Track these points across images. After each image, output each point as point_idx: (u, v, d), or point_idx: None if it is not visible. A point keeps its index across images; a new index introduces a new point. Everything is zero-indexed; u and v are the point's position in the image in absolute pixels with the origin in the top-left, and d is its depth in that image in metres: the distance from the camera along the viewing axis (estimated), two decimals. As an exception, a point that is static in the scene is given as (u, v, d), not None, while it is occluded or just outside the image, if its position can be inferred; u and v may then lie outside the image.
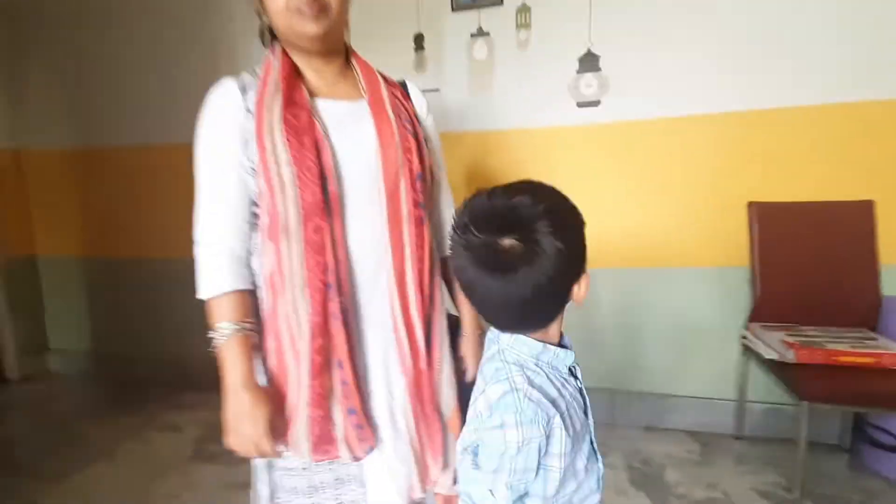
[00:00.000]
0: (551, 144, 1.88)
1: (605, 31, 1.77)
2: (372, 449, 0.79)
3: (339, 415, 0.75)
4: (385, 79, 0.86)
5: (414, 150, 0.80)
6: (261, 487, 0.83)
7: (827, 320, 1.66)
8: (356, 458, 0.78)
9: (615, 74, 1.78)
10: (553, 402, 0.58)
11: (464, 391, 0.87)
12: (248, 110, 0.74)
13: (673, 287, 1.86)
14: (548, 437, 0.57)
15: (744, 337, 1.72)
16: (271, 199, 0.71)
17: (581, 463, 0.63)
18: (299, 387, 0.73)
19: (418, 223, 0.79)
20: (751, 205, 1.75)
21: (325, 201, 0.72)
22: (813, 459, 1.65)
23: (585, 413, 0.66)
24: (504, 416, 0.56)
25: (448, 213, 0.93)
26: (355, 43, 0.89)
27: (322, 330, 0.72)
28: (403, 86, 0.90)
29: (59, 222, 2.50)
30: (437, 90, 1.92)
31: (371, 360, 0.79)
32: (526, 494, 0.59)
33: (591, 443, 0.67)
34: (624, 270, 1.89)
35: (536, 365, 0.61)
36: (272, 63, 0.76)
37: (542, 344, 0.61)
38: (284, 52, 0.77)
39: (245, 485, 1.43)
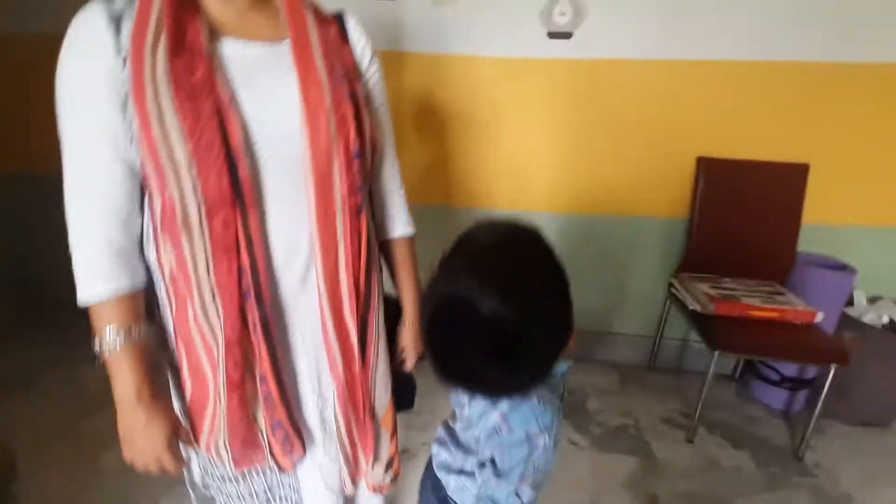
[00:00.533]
0: (514, 77, 1.74)
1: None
2: (301, 458, 0.74)
3: (263, 425, 0.68)
4: (316, 12, 0.65)
5: (350, 118, 0.62)
6: (193, 468, 0.78)
7: (745, 273, 1.81)
8: (282, 470, 0.73)
9: (593, 4, 1.62)
10: (554, 391, 0.61)
11: (400, 384, 0.85)
12: (121, 55, 0.54)
13: (615, 234, 1.92)
14: None
15: (672, 285, 1.85)
16: (161, 186, 0.54)
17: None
18: (217, 397, 0.64)
19: (354, 213, 0.64)
20: (699, 159, 1.78)
21: (234, 189, 0.56)
22: (710, 389, 1.91)
23: None
24: (527, 428, 0.58)
25: (393, 187, 0.79)
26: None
27: (239, 343, 0.61)
28: (341, 21, 0.68)
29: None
30: (392, -1, 1.66)
31: (301, 368, 0.71)
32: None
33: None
34: (571, 216, 1.91)
35: None
36: None
37: None
38: None
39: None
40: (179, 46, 0.53)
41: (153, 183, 0.56)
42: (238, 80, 0.57)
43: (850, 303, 1.82)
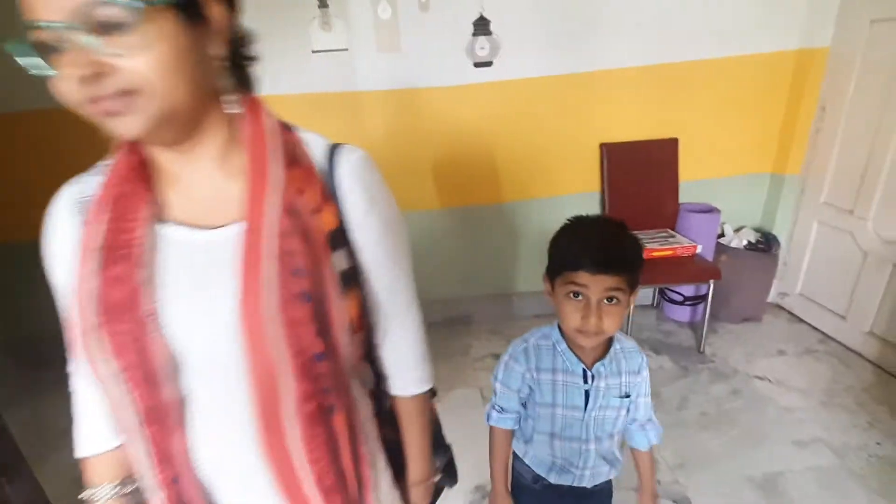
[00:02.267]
0: (454, 101, 2.17)
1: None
2: None
3: None
4: (292, 152, 0.53)
5: (307, 320, 0.50)
6: None
7: (648, 225, 2.39)
8: None
9: (505, 38, 2.07)
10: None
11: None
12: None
13: (548, 212, 2.42)
14: None
15: (597, 244, 2.39)
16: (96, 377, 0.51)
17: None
18: None
19: (313, 420, 0.52)
20: (602, 145, 2.31)
21: (160, 407, 0.51)
22: (635, 317, 2.49)
23: None
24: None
25: (404, 346, 0.65)
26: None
27: None
28: (331, 157, 0.55)
29: None
30: (345, 49, 2.01)
31: None
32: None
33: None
34: (511, 203, 2.38)
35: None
36: (119, 155, 0.52)
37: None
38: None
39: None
40: (117, 229, 0.49)
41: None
42: (171, 277, 0.51)
43: (723, 234, 2.45)
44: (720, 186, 2.45)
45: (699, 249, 2.18)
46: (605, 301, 0.78)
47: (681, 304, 2.45)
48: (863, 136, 2.03)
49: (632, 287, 0.80)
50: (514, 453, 1.01)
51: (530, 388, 0.92)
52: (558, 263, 0.82)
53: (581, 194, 2.40)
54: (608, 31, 2.12)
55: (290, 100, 2.08)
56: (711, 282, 2.11)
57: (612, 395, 0.89)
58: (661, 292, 2.56)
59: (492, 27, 2.05)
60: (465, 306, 2.54)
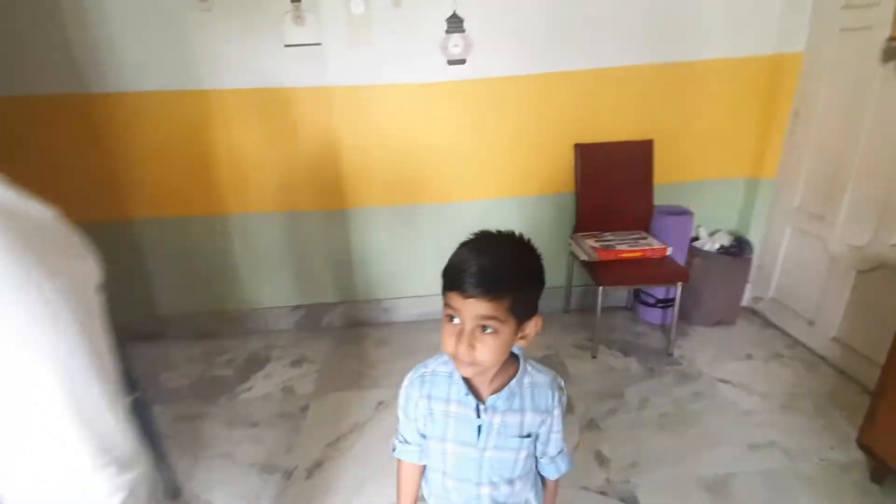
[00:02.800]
0: (427, 98, 2.17)
1: (467, -5, 2.02)
2: None
3: None
4: None
5: None
6: None
7: (620, 226, 2.39)
8: None
9: (479, 36, 2.08)
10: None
11: None
12: None
13: (525, 211, 2.43)
14: None
15: (570, 244, 2.40)
16: None
17: None
18: None
19: None
20: (576, 146, 2.31)
21: None
22: (609, 319, 2.50)
23: None
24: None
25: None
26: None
27: None
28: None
29: None
30: (318, 44, 2.02)
31: None
32: None
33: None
34: (485, 201, 2.39)
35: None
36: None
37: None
38: None
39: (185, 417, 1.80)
40: None
41: None
42: None
43: (697, 238, 2.46)
44: (695, 189, 2.45)
45: (669, 251, 2.19)
46: (480, 329, 0.70)
47: (653, 305, 2.45)
48: (833, 141, 2.03)
49: (518, 316, 0.71)
50: (422, 494, 0.93)
51: (425, 418, 0.84)
52: (443, 281, 0.72)
53: (555, 195, 2.41)
54: (584, 32, 2.13)
55: (262, 93, 2.09)
56: (679, 284, 2.11)
57: (508, 435, 0.80)
58: (635, 294, 2.56)
59: (465, 25, 2.06)
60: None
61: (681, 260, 2.31)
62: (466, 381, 0.80)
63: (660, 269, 2.15)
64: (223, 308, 2.47)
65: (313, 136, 2.19)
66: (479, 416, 0.79)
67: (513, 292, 0.69)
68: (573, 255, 2.37)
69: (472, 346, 0.69)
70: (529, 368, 0.82)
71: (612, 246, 2.21)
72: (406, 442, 0.88)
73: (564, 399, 0.84)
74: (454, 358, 0.73)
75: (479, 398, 0.79)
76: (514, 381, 0.79)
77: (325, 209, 2.32)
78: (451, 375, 0.81)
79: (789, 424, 1.76)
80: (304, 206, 2.31)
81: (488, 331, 0.69)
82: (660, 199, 2.40)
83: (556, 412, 0.82)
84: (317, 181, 2.26)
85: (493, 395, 0.78)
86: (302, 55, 2.03)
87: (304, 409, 1.93)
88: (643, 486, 1.52)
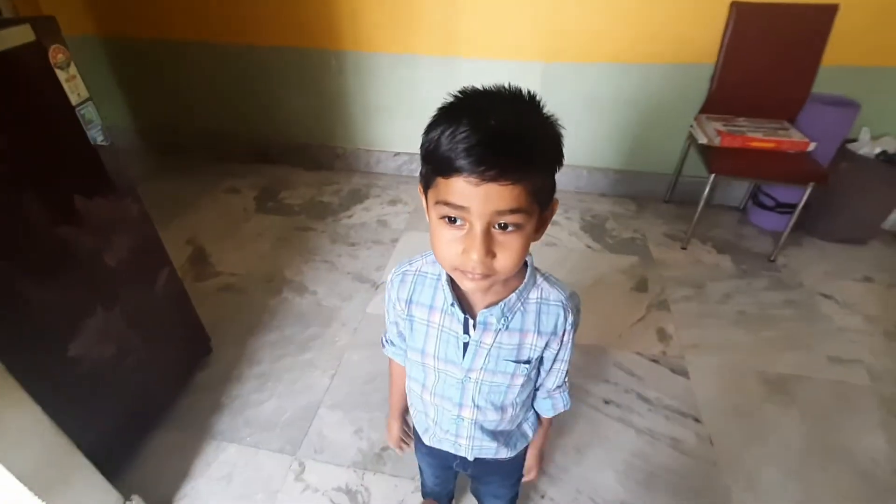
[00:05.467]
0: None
1: None
2: None
3: None
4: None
5: None
6: None
7: (760, 113, 2.07)
8: None
9: None
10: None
11: None
12: None
13: (649, 81, 2.18)
14: None
15: (691, 126, 2.15)
16: None
17: None
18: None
19: None
20: (734, 4, 1.93)
21: None
22: (713, 215, 2.32)
23: None
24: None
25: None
26: None
27: None
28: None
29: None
30: None
31: None
32: None
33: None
34: (612, 64, 2.16)
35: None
36: None
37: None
38: None
39: (299, 228, 2.03)
40: None
41: None
42: None
43: (855, 140, 2.06)
44: (872, 78, 1.99)
45: (811, 147, 1.88)
46: (498, 227, 0.49)
47: (771, 209, 2.21)
48: None
49: (541, 203, 0.51)
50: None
51: (404, 323, 0.70)
52: (428, 165, 0.50)
53: (687, 65, 2.10)
54: None
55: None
56: (811, 185, 1.85)
57: (501, 358, 0.65)
58: (753, 195, 2.30)
59: None
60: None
61: (824, 161, 1.99)
62: (454, 286, 0.62)
63: (791, 165, 1.88)
64: (334, 144, 2.68)
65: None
66: (466, 333, 0.63)
67: (538, 171, 0.49)
68: (692, 137, 2.14)
69: (490, 253, 0.50)
70: (540, 280, 0.64)
71: (742, 132, 1.95)
72: (392, 343, 0.79)
73: (579, 321, 0.66)
74: (458, 270, 0.53)
75: (471, 312, 0.63)
76: (514, 295, 0.61)
77: (444, 55, 2.27)
78: (439, 278, 0.64)
79: (888, 349, 1.61)
80: (422, 51, 2.28)
81: (510, 228, 0.49)
82: (821, 84, 1.99)
83: (566, 338, 0.66)
84: (434, 24, 2.19)
85: (486, 309, 0.61)
86: None
87: (395, 240, 2.16)
88: (697, 364, 1.56)
